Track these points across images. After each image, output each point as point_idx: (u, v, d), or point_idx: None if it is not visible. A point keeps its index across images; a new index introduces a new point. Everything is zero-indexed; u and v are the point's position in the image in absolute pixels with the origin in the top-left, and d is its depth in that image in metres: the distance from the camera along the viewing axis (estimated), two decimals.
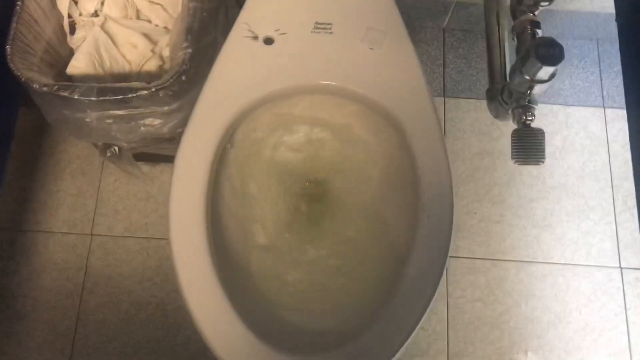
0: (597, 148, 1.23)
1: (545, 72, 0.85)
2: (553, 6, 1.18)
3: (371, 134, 0.88)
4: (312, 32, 0.82)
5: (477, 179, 1.20)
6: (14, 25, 0.84)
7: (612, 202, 1.20)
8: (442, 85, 1.27)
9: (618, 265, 1.16)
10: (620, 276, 1.15)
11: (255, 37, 0.82)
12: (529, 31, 0.95)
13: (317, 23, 0.83)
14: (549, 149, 1.22)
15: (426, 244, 0.72)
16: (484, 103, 1.22)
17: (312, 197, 0.92)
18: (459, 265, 1.15)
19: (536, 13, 0.96)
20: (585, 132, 1.24)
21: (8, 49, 0.82)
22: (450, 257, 1.13)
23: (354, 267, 0.86)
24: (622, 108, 1.24)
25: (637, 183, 0.87)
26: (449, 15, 1.25)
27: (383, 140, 0.86)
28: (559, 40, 1.26)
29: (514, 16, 1.00)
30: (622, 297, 1.13)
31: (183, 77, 0.82)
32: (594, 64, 1.29)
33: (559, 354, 1.10)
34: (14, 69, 0.81)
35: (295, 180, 0.92)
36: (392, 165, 0.86)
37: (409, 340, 0.69)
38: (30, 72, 0.84)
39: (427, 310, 0.71)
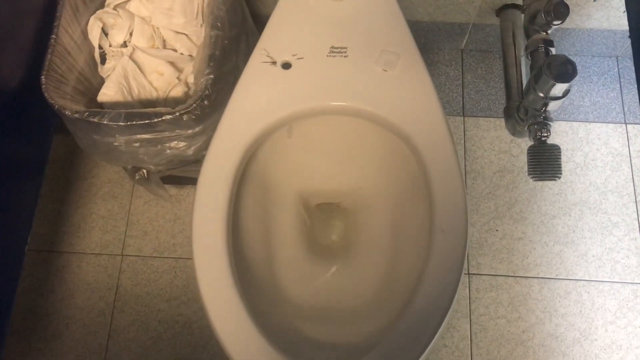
0: (620, 164, 1.23)
1: (558, 89, 0.87)
2: (570, 25, 1.20)
3: (387, 152, 0.91)
4: (327, 56, 0.86)
5: (498, 196, 1.21)
6: (48, 57, 0.89)
7: (636, 217, 1.19)
8: (462, 105, 1.29)
9: None
10: None
11: (274, 62, 0.86)
12: (542, 49, 0.97)
13: (332, 47, 0.86)
14: (570, 166, 1.22)
15: (441, 258, 0.74)
16: (503, 121, 1.23)
17: (332, 214, 0.95)
18: (481, 282, 1.15)
19: (549, 32, 0.98)
20: (607, 148, 1.24)
21: (43, 79, 0.87)
22: (472, 274, 1.14)
23: (372, 283, 0.88)
24: None
25: None
26: (467, 36, 1.27)
27: (399, 158, 0.88)
28: (578, 58, 1.28)
29: (528, 35, 1.02)
30: None
31: (205, 102, 0.86)
32: (614, 80, 1.30)
33: None
34: (48, 97, 0.86)
35: (315, 199, 0.95)
36: (407, 182, 0.88)
37: (425, 354, 0.71)
38: (63, 100, 0.89)
39: (442, 325, 0.72)
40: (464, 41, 1.30)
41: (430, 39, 1.30)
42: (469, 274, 1.16)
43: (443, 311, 0.72)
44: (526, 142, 1.22)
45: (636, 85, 0.92)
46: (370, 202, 0.94)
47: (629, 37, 0.90)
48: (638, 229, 1.18)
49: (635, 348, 1.10)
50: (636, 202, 1.20)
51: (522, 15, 1.09)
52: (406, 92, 0.83)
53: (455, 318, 1.13)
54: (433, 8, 1.18)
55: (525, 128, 0.97)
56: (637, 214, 1.19)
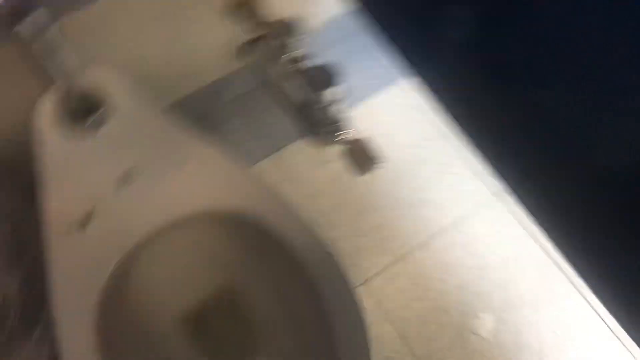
0: (419, 115, 1.31)
1: (333, 93, 0.90)
2: (308, 29, 1.26)
3: (251, 246, 0.89)
4: (120, 187, 0.80)
5: (345, 205, 1.23)
6: None
7: (463, 153, 1.28)
8: (254, 151, 1.28)
9: (492, 192, 1.24)
10: (501, 199, 1.23)
11: (73, 225, 0.78)
12: (300, 66, 1.00)
13: (123, 175, 0.81)
14: (379, 140, 1.28)
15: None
16: (304, 145, 1.25)
17: (207, 324, 0.90)
18: (378, 281, 1.17)
19: (295, 48, 1.01)
20: (402, 108, 1.31)
21: None
22: (367, 280, 1.15)
23: None
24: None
25: None
26: (228, 89, 1.28)
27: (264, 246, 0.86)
28: (335, 49, 1.33)
29: (279, 59, 1.04)
30: (512, 217, 1.22)
31: None
32: (372, 49, 1.36)
33: (499, 298, 1.16)
34: None
35: (187, 312, 0.90)
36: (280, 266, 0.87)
37: None
38: None
39: None
40: (227, 94, 1.30)
41: (196, 111, 1.28)
42: (364, 282, 1.17)
43: None
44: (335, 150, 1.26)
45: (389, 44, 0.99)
46: (249, 300, 0.91)
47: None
48: (463, 160, 1.27)
49: (525, 255, 1.19)
50: (450, 138, 1.29)
51: (266, 46, 1.12)
52: (210, 180, 0.81)
53: (376, 326, 1.13)
54: (183, 81, 1.16)
55: (326, 137, 1.00)
56: (463, 150, 1.27)
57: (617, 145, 0.80)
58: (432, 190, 1.24)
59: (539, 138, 0.99)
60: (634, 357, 1.13)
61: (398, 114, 1.31)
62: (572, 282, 1.18)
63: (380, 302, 1.15)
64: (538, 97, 0.91)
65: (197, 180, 0.81)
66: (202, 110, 1.30)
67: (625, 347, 1.14)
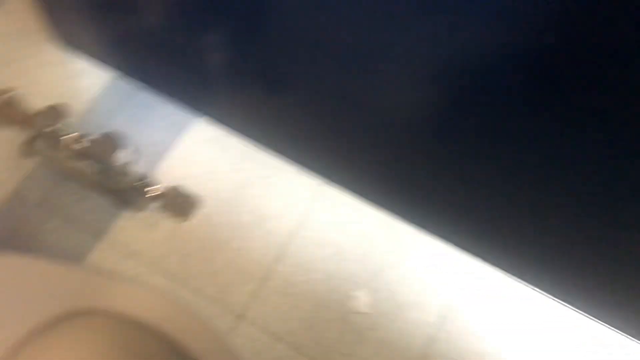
0: (218, 147, 1.33)
1: (123, 157, 0.90)
2: (74, 117, 1.23)
3: None
4: None
5: (191, 255, 1.22)
6: None
7: (261, 163, 1.32)
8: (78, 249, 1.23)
9: (317, 183, 1.29)
10: (327, 185, 1.29)
11: None
12: (82, 147, 0.98)
13: None
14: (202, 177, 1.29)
15: None
16: (120, 224, 1.22)
17: None
18: (252, 309, 1.18)
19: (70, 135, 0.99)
20: (202, 147, 1.33)
21: None
22: (241, 313, 1.15)
23: None
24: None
25: None
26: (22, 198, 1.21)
27: None
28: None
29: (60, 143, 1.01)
30: (344, 197, 1.29)
31: None
32: (155, 106, 1.36)
33: (363, 272, 1.22)
34: None
35: None
36: None
37: None
38: None
39: None
40: (31, 198, 1.24)
41: (5, 226, 1.21)
42: (240, 316, 1.16)
43: None
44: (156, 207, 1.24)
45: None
46: None
47: None
48: (276, 168, 1.31)
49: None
50: (255, 154, 1.32)
51: (43, 138, 1.08)
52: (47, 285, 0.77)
53: (269, 351, 1.14)
54: None
55: (138, 200, 0.99)
56: (271, 159, 1.31)
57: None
58: (265, 205, 1.27)
59: (321, 123, 1.05)
60: (481, 278, 1.25)
61: (202, 153, 1.31)
62: (413, 233, 1.27)
63: (263, 327, 1.16)
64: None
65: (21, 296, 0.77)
66: (11, 224, 1.23)
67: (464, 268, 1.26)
